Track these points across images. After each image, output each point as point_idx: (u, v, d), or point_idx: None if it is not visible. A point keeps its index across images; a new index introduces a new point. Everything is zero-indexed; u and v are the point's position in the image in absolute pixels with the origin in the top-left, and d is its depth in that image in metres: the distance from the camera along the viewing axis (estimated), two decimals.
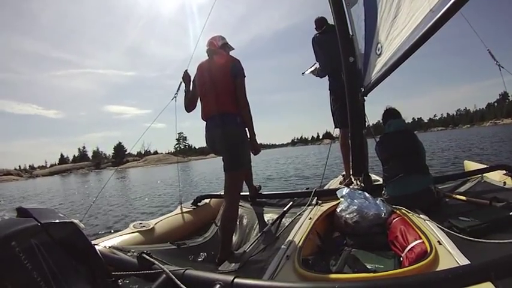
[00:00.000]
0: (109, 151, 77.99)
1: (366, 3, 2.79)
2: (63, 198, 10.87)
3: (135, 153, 71.84)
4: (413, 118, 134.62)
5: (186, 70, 2.55)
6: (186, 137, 78.66)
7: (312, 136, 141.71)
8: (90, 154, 78.89)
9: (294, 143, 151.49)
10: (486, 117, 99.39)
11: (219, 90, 2.23)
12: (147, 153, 75.66)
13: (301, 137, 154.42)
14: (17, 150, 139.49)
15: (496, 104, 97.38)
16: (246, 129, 2.33)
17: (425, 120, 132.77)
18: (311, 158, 19.15)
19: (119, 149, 71.92)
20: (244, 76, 2.29)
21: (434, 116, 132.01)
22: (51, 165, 72.36)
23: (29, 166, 78.10)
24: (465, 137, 25.26)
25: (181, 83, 2.61)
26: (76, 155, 78.91)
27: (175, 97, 2.84)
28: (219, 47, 2.40)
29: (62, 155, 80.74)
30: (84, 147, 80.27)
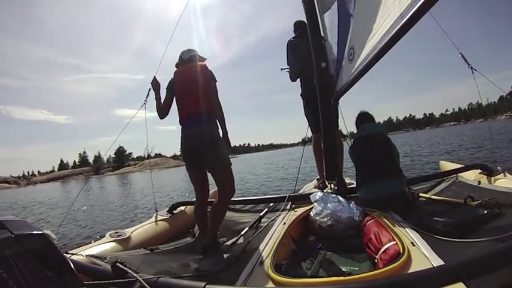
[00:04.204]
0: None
1: (340, 10, 2.79)
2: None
3: (144, 156, 69.67)
4: (424, 113, 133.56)
5: (155, 77, 2.59)
6: None
7: None
8: (91, 159, 76.93)
9: (304, 142, 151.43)
10: (499, 110, 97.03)
11: (199, 92, 2.34)
12: (159, 156, 74.02)
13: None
14: (28, 156, 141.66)
15: (508, 96, 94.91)
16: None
17: (437, 115, 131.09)
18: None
19: (120, 153, 70.38)
20: (216, 81, 2.46)
21: (446, 110, 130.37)
22: (52, 171, 71.37)
23: (38, 172, 77.16)
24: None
25: (150, 89, 2.64)
26: (77, 161, 77.62)
27: (144, 104, 2.82)
28: (189, 57, 2.52)
29: (61, 161, 79.63)
30: (85, 152, 79.09)
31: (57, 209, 9.88)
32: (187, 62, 2.50)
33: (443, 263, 1.39)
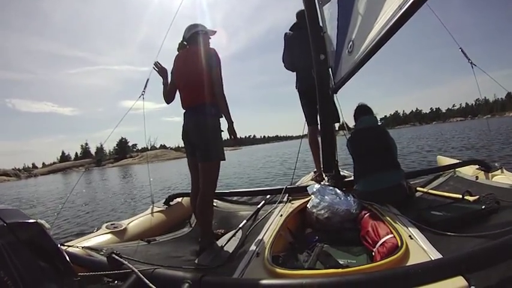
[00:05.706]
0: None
1: (340, 2, 2.75)
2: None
3: (147, 147, 66.15)
4: (431, 108, 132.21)
5: (156, 62, 2.47)
6: None
7: None
8: (93, 151, 74.37)
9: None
10: (507, 107, 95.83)
11: (195, 81, 2.22)
12: (163, 147, 71.84)
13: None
14: (34, 148, 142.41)
15: None
16: (221, 119, 2.30)
17: (444, 110, 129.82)
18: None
19: (122, 144, 68.57)
20: (220, 65, 2.26)
21: (453, 105, 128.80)
22: (54, 163, 69.41)
23: (42, 164, 76.00)
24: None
25: (147, 80, 2.64)
26: (79, 152, 75.30)
27: (142, 94, 2.79)
28: (191, 36, 2.36)
29: (63, 153, 77.46)
30: (86, 144, 76.35)
31: (51, 202, 9.81)
32: (190, 42, 2.36)
33: (442, 256, 1.38)
